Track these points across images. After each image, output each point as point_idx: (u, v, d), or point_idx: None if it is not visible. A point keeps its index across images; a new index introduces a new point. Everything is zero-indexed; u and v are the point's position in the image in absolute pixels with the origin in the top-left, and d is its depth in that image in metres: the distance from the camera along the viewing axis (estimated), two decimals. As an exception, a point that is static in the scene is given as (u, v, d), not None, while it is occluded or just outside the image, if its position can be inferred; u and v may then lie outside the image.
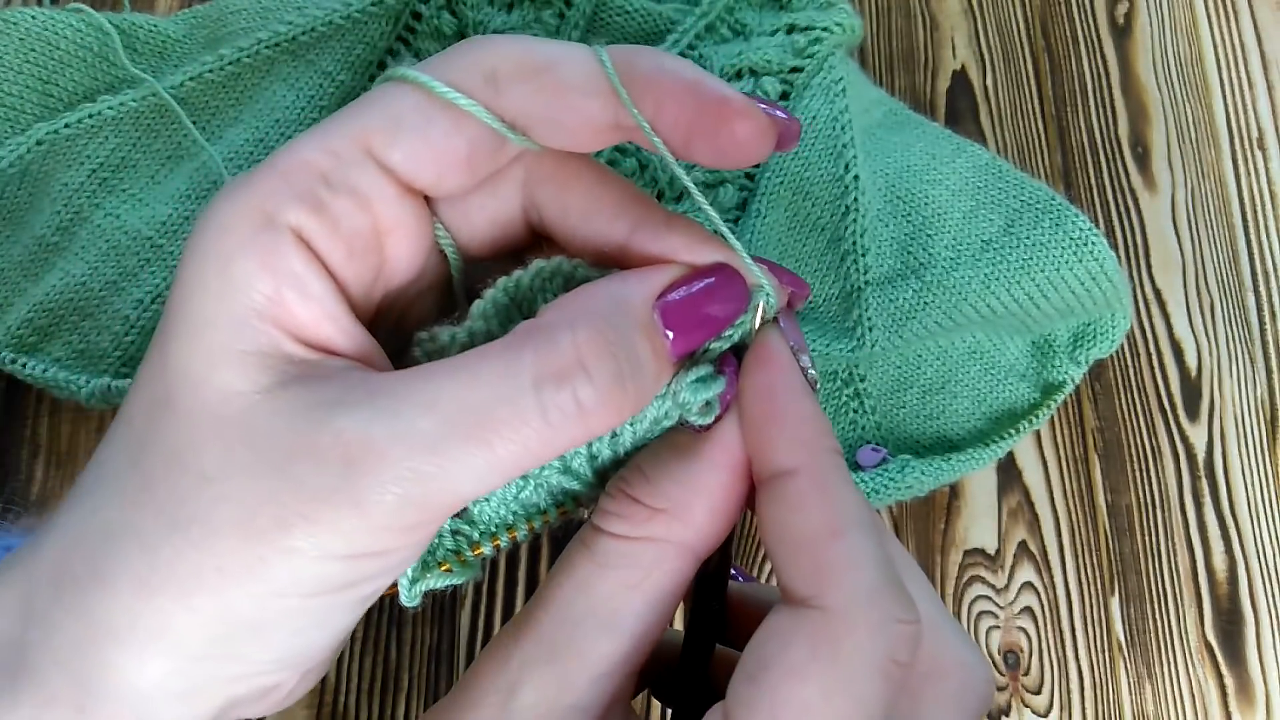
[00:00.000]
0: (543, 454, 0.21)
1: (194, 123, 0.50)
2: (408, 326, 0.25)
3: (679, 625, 0.28)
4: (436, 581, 0.25)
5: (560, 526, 0.28)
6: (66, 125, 0.48)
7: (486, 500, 0.24)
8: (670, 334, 0.22)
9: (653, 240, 0.23)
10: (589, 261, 0.24)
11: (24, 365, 0.45)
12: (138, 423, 0.21)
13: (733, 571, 0.29)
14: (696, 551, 0.23)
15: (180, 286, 0.21)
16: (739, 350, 0.24)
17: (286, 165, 0.22)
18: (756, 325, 0.23)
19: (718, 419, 0.23)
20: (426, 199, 0.24)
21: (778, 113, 0.23)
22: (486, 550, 0.25)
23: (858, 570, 0.21)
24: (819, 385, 0.24)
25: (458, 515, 0.25)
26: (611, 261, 0.24)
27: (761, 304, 0.23)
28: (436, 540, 0.25)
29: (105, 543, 0.21)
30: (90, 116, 0.49)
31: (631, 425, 0.23)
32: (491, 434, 0.20)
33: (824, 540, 0.21)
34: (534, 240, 0.26)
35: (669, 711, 0.27)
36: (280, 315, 0.21)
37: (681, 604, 0.25)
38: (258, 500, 0.20)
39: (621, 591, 0.22)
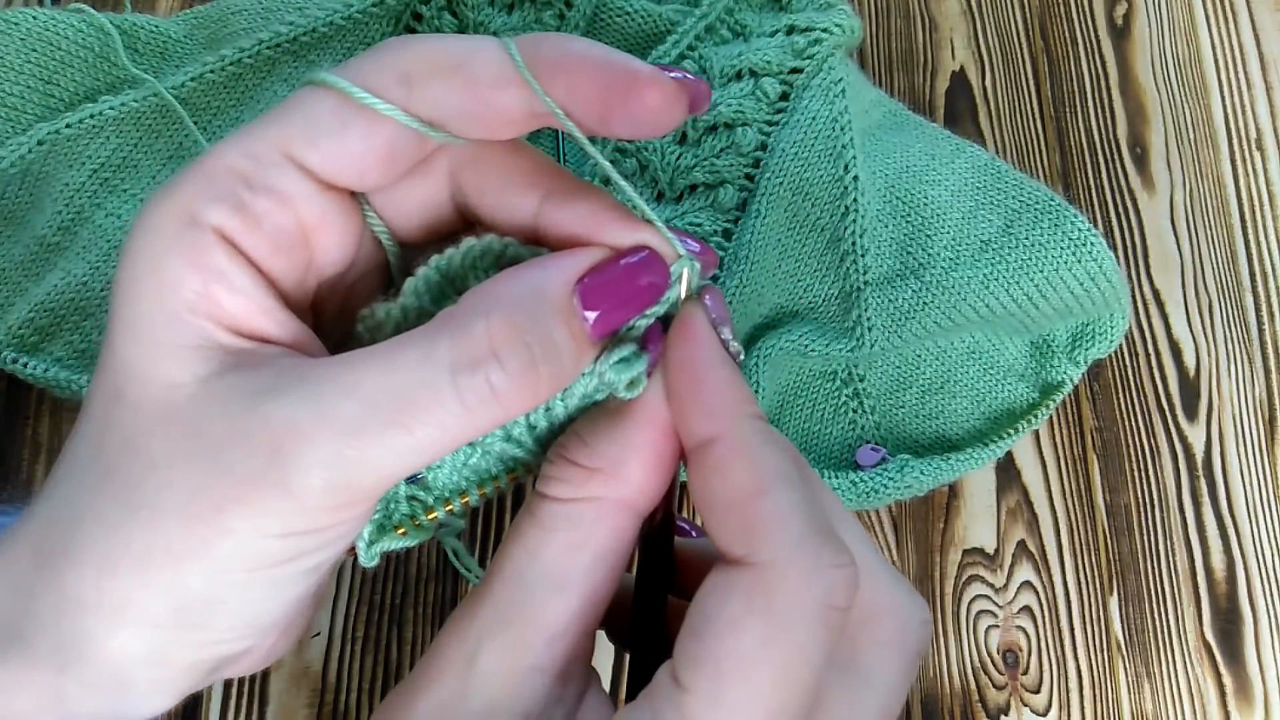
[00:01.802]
0: (462, 435, 0.22)
1: (195, 123, 0.50)
2: (351, 313, 0.26)
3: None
4: (392, 544, 0.26)
5: None
6: (68, 125, 0.48)
7: (439, 467, 0.25)
8: (590, 316, 0.23)
9: (561, 209, 0.24)
10: (520, 240, 0.25)
11: (25, 365, 0.45)
12: (97, 415, 0.23)
13: (686, 527, 0.30)
14: (636, 507, 0.24)
15: (118, 286, 0.23)
16: (667, 320, 0.25)
17: (209, 169, 0.23)
18: (681, 297, 0.24)
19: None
20: (355, 192, 0.25)
21: (685, 76, 0.24)
22: (440, 514, 0.26)
23: (784, 523, 0.21)
24: (741, 357, 0.25)
25: (413, 481, 0.26)
26: (534, 238, 0.25)
27: (685, 279, 0.24)
28: (393, 505, 0.26)
29: (74, 524, 0.22)
30: (91, 117, 0.49)
31: (562, 400, 0.24)
32: (410, 418, 0.21)
33: (749, 499, 0.22)
34: (466, 223, 0.27)
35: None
36: (211, 309, 0.22)
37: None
38: (196, 485, 0.21)
39: (568, 552, 0.23)
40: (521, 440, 0.25)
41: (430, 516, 0.26)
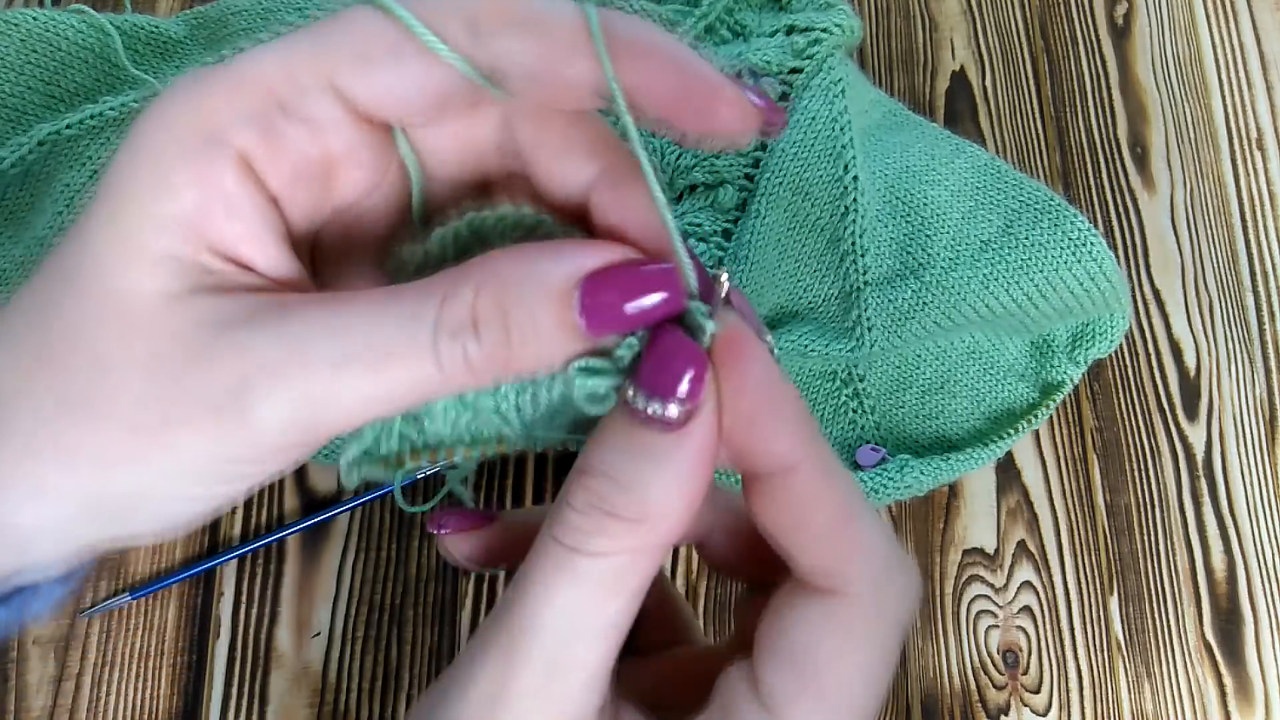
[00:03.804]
0: (435, 392, 0.22)
1: (195, 123, 0.50)
2: (351, 238, 0.25)
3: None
4: (371, 473, 0.26)
5: None
6: (68, 126, 0.48)
7: (432, 419, 0.25)
8: (585, 315, 0.21)
9: (614, 192, 0.23)
10: (557, 219, 0.24)
11: (26, 365, 0.45)
12: (43, 293, 0.22)
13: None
14: (669, 546, 0.23)
15: (117, 171, 0.22)
16: (691, 330, 0.23)
17: (245, 81, 0.22)
18: (721, 300, 0.23)
19: (688, 416, 0.22)
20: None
21: (765, 101, 0.22)
22: (423, 461, 0.26)
23: (873, 553, 0.22)
24: (776, 353, 0.24)
25: (410, 421, 0.26)
26: (579, 212, 0.24)
27: (724, 286, 0.23)
28: (384, 437, 0.26)
29: (3, 402, 0.22)
30: (92, 117, 0.49)
31: (548, 390, 0.24)
32: (387, 366, 0.21)
33: (838, 530, 0.22)
34: (504, 169, 0.25)
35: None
36: (204, 228, 0.22)
37: None
38: (149, 399, 0.21)
39: (604, 602, 0.22)
40: (509, 419, 0.25)
41: (414, 459, 0.26)
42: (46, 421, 0.22)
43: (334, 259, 0.26)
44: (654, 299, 0.21)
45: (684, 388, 0.21)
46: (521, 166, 0.25)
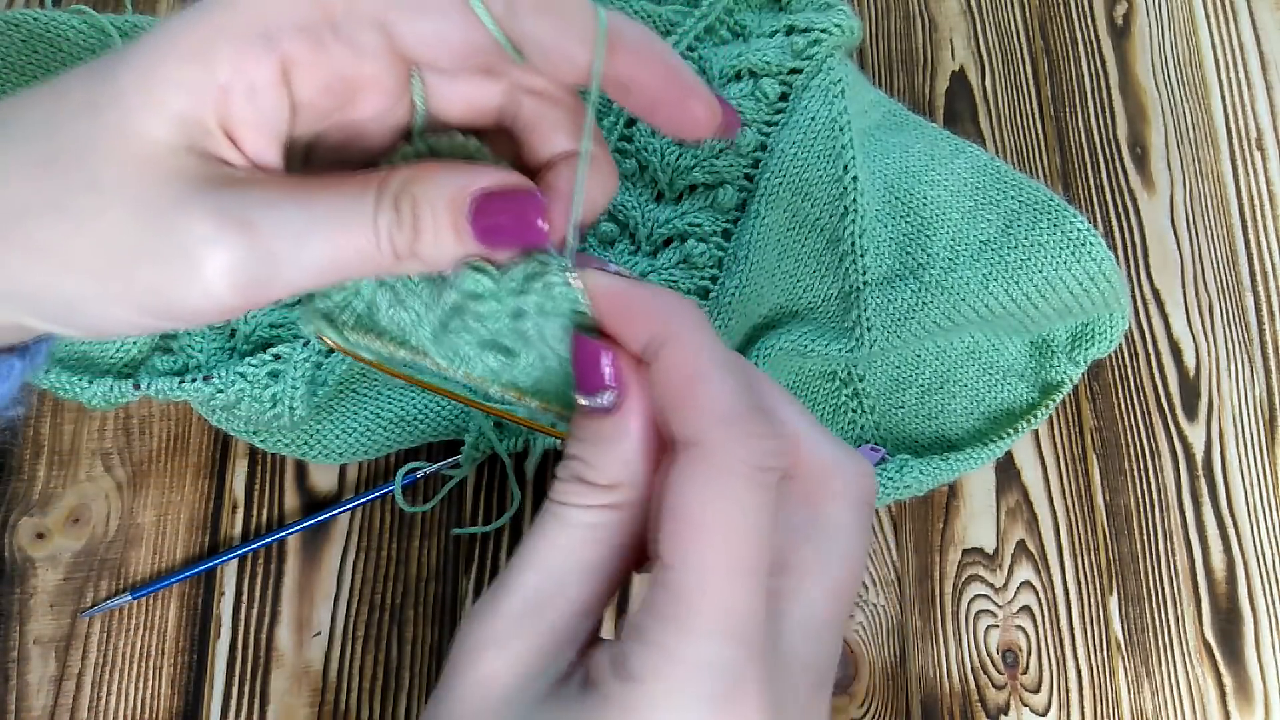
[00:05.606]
0: (373, 264, 0.26)
1: (196, 124, 0.50)
2: (350, 153, 0.29)
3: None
4: (322, 328, 0.29)
5: None
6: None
7: (376, 309, 0.29)
8: (473, 221, 0.26)
9: (567, 167, 0.28)
10: (491, 150, 0.28)
11: (27, 365, 0.46)
12: (69, 108, 0.25)
13: None
14: (642, 503, 0.26)
15: (168, 31, 0.25)
16: (585, 330, 0.27)
17: None
18: (580, 291, 0.27)
19: (620, 397, 0.26)
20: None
21: (724, 106, 0.27)
22: (363, 341, 0.29)
23: (716, 403, 0.24)
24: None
25: (385, 288, 0.29)
26: (540, 169, 0.28)
27: (578, 281, 0.27)
28: (351, 297, 0.29)
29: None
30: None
31: (450, 293, 0.27)
32: (340, 234, 0.25)
33: (689, 387, 0.24)
34: (496, 127, 0.29)
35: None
36: (222, 104, 0.25)
37: None
38: (129, 228, 0.24)
39: (587, 546, 0.26)
40: (417, 311, 0.28)
41: (358, 335, 0.29)
42: (30, 217, 0.24)
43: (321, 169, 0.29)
44: (525, 218, 0.26)
45: (605, 377, 0.26)
46: (515, 128, 0.29)
